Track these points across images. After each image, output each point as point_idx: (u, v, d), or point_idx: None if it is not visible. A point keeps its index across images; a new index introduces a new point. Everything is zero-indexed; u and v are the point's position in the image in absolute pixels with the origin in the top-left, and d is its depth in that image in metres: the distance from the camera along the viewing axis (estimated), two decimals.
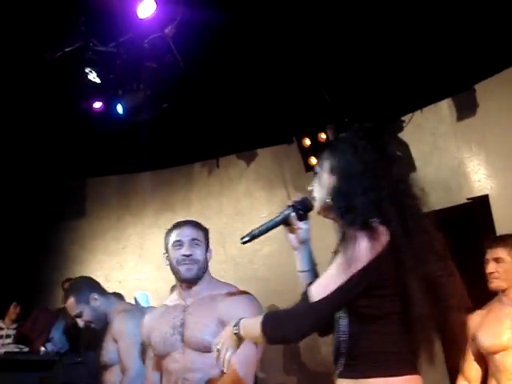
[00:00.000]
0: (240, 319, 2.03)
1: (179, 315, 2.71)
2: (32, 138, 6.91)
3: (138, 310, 3.54)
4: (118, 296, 4.11)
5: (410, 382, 1.91)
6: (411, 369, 1.93)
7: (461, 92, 5.72)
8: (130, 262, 7.90)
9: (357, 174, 1.98)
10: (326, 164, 2.10)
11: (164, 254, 2.79)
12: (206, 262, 2.77)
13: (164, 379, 2.73)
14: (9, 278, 7.73)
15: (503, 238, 3.23)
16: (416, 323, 1.90)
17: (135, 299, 4.16)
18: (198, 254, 2.71)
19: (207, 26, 4.97)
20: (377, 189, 1.95)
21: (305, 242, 2.19)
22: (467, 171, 5.76)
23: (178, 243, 2.70)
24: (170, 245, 2.74)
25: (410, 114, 6.19)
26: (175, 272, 2.73)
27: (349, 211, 1.94)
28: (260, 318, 1.95)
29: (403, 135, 6.21)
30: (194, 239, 2.72)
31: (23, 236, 8.05)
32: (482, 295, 3.28)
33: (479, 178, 5.66)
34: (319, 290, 1.90)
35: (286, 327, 1.92)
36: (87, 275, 3.87)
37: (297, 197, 2.22)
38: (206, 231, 2.81)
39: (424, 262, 1.94)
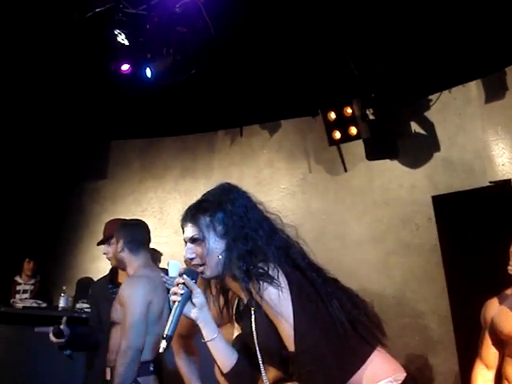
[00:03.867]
0: None
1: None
2: (57, 99, 6.95)
3: (151, 277, 3.55)
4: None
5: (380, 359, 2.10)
6: None
7: (491, 74, 5.65)
8: (149, 225, 7.96)
9: (252, 230, 2.09)
10: (211, 230, 2.12)
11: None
12: None
13: None
14: (30, 234, 7.87)
15: None
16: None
17: (168, 266, 4.19)
18: None
19: None
20: (274, 237, 2.11)
21: (203, 306, 2.11)
22: (492, 154, 5.70)
23: None
24: None
25: (438, 93, 6.12)
26: None
27: (261, 262, 2.04)
28: None
29: (429, 114, 6.16)
30: None
31: (46, 195, 8.16)
32: (503, 279, 3.27)
33: (503, 162, 5.61)
34: (298, 338, 1.97)
35: (327, 379, 1.96)
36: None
37: (182, 270, 2.16)
38: None
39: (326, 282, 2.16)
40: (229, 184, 2.30)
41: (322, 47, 5.79)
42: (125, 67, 5.81)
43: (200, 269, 2.13)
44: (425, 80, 5.97)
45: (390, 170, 6.42)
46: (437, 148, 6.10)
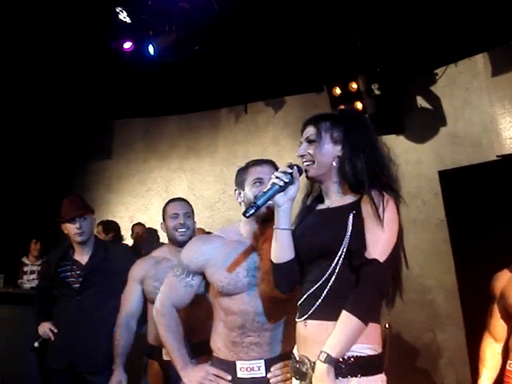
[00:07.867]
0: (323, 353, 2.00)
1: (252, 256, 2.59)
2: (60, 78, 6.91)
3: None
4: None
5: (377, 329, 2.14)
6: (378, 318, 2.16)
7: (497, 47, 5.57)
8: (154, 205, 7.97)
9: (368, 147, 2.24)
10: (328, 134, 2.26)
11: (236, 190, 2.70)
12: None
13: (222, 317, 2.64)
14: (36, 216, 7.87)
15: None
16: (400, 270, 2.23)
17: None
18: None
19: None
20: (385, 162, 2.26)
21: (292, 199, 2.26)
22: (499, 128, 5.64)
23: (259, 181, 2.60)
24: (248, 181, 2.64)
25: (444, 67, 6.05)
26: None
27: (378, 177, 2.18)
28: (349, 321, 2.00)
29: (435, 88, 6.10)
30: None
31: (50, 175, 8.14)
32: (508, 253, 3.26)
33: (510, 136, 5.55)
34: (383, 250, 2.07)
35: (375, 298, 2.06)
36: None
37: (292, 162, 2.28)
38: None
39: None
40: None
41: (326, 22, 5.72)
42: (127, 45, 5.77)
43: (307, 167, 2.26)
44: (431, 54, 5.90)
45: (396, 145, 6.36)
46: (443, 122, 6.05)
